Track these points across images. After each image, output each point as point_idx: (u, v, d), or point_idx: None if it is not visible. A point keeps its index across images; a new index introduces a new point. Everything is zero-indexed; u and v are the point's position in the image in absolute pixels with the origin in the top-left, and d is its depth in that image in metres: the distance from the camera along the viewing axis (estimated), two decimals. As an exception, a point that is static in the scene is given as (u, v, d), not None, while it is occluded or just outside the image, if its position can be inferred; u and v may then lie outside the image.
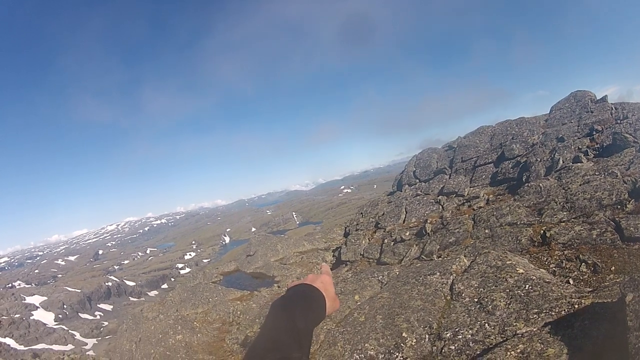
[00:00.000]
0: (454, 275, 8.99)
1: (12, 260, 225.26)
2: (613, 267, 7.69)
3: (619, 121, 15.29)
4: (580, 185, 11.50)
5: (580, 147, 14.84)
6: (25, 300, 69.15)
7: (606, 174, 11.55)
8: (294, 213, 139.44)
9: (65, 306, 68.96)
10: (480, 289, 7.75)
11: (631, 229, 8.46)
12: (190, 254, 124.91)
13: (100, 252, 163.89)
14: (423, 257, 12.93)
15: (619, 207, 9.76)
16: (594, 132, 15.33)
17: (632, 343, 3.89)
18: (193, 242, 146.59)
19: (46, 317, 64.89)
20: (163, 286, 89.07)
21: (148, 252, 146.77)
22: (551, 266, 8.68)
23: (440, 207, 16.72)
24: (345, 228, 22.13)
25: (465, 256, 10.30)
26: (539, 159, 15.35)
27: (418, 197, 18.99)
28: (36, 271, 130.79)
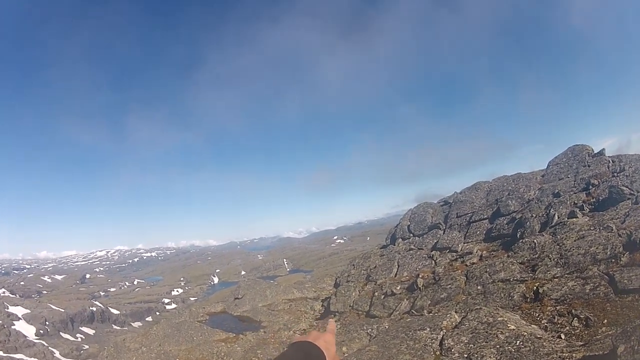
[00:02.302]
0: (444, 330, 8.65)
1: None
2: (605, 320, 7.38)
3: (615, 174, 15.30)
4: (575, 240, 11.26)
5: (576, 202, 14.73)
6: (8, 309, 68.25)
7: (601, 228, 11.34)
8: (285, 259, 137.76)
9: (47, 323, 68.03)
10: (470, 345, 7.42)
11: (625, 281, 8.18)
12: (177, 290, 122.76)
13: (88, 276, 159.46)
14: (413, 311, 12.45)
15: (613, 260, 9.50)
16: (591, 187, 15.28)
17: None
18: (182, 278, 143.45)
19: (27, 330, 64.03)
20: (147, 318, 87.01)
21: (135, 282, 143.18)
22: (543, 322, 8.33)
23: (433, 262, 16.36)
24: (336, 279, 21.68)
25: (456, 312, 9.99)
26: (534, 215, 15.17)
27: (411, 251, 18.66)
28: (22, 283, 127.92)
